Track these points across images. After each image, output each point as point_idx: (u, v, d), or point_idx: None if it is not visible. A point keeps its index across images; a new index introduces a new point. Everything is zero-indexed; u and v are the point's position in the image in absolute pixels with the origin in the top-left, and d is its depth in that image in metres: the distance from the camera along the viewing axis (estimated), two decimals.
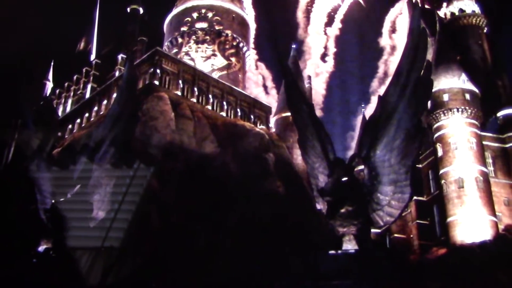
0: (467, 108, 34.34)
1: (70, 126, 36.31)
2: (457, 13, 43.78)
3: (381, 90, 64.37)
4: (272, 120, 39.90)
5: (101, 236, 13.88)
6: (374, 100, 62.72)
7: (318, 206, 9.81)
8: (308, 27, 57.33)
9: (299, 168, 33.87)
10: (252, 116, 35.84)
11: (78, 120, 36.05)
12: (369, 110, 60.29)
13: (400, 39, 61.79)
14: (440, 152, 34.16)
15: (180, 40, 39.61)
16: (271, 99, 52.66)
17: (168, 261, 22.14)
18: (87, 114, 35.52)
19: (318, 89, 55.54)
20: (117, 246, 14.25)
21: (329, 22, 57.50)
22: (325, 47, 55.27)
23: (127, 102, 15.85)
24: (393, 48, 63.29)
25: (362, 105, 53.67)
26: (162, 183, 24.98)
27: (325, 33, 57.42)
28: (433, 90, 30.89)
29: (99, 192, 14.70)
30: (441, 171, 33.70)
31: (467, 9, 43.80)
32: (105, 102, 34.19)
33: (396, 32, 63.13)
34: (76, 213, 13.92)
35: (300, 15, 58.97)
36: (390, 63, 63.44)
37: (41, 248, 13.00)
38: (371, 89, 65.93)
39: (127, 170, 15.60)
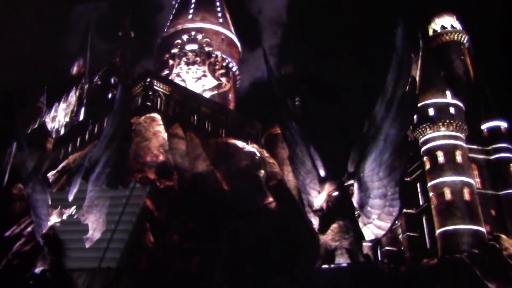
0: (452, 121, 35.11)
1: (63, 149, 36.48)
2: (439, 30, 44.97)
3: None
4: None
5: (98, 257, 13.99)
6: None
7: (310, 221, 10.16)
8: None
9: (291, 184, 34.30)
10: (243, 134, 36.31)
11: (72, 143, 36.25)
12: None
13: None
14: (427, 165, 34.80)
15: (171, 62, 40.21)
16: None
17: (162, 280, 22.27)
18: (80, 137, 35.76)
19: None
20: (114, 267, 14.35)
21: None
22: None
23: (120, 124, 16.21)
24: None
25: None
26: (156, 202, 25.25)
27: None
28: (418, 105, 31.75)
29: (95, 212, 14.83)
30: (429, 184, 34.27)
31: (448, 26, 44.99)
32: (98, 124, 34.52)
33: None
34: (73, 234, 14.07)
35: None
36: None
37: (38, 270, 13.18)
38: None
39: (123, 190, 15.83)
